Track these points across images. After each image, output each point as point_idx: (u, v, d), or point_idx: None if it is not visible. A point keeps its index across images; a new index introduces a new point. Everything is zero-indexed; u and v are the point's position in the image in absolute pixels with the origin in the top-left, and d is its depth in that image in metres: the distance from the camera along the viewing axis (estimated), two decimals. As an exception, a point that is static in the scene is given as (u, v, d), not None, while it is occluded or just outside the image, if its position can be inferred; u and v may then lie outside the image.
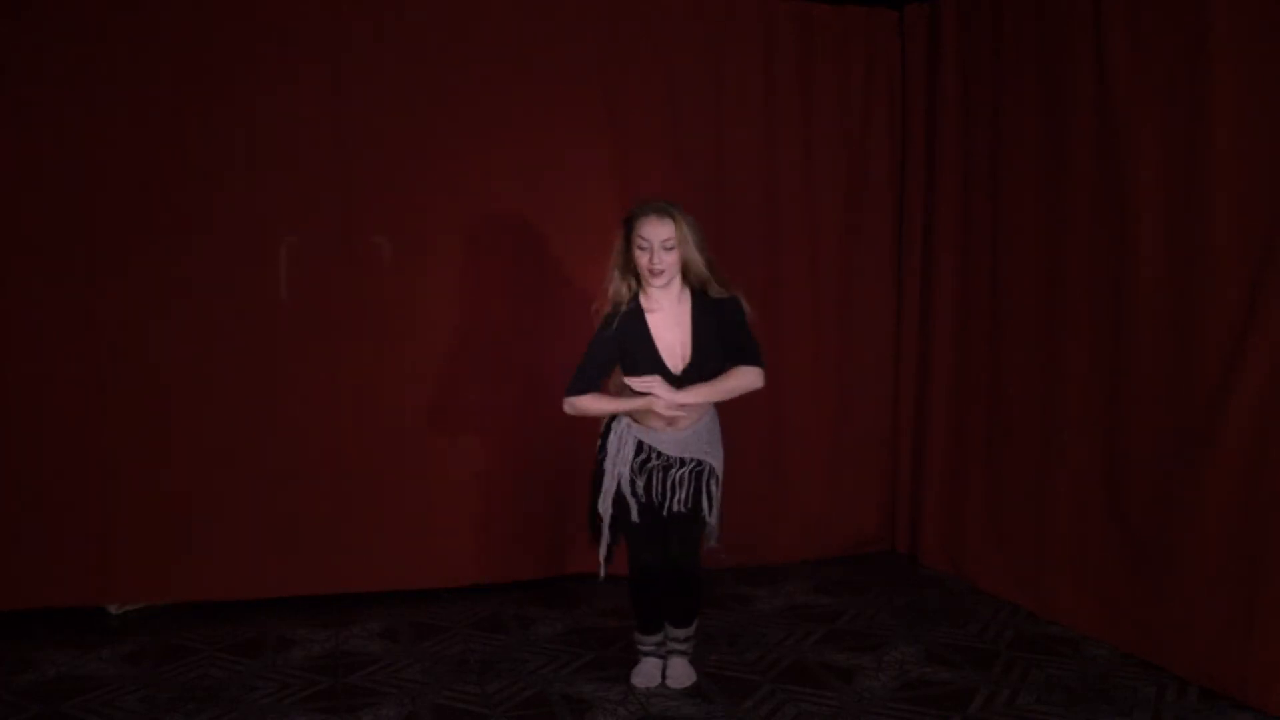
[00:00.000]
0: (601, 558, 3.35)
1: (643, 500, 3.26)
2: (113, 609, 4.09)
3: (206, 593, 4.14)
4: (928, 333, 4.86)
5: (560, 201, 4.41)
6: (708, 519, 3.32)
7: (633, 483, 3.25)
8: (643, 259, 3.16)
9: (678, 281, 3.22)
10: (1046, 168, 4.10)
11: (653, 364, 3.19)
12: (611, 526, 3.31)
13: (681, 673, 3.43)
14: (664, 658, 3.47)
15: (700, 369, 3.20)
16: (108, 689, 3.41)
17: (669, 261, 3.15)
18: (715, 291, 3.20)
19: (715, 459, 3.29)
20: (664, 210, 3.16)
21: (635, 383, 3.14)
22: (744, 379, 3.16)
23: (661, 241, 3.13)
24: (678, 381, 3.18)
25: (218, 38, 4.00)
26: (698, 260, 3.18)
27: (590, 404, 3.20)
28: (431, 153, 4.25)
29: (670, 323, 3.22)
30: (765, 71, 4.73)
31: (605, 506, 3.28)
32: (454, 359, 4.33)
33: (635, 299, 3.23)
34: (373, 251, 4.23)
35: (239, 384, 4.09)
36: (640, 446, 3.25)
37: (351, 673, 3.55)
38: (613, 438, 3.28)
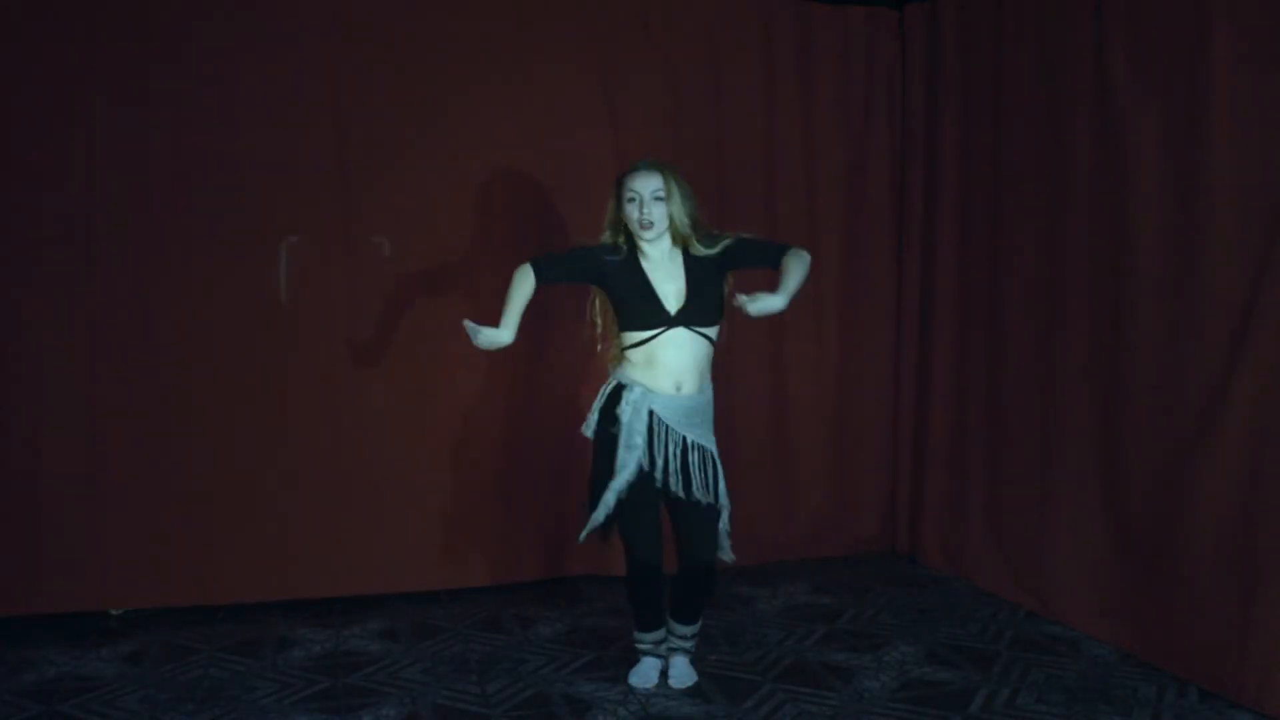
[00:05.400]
0: (587, 532, 3.29)
1: (660, 485, 3.19)
2: (113, 609, 4.09)
3: (207, 597, 4.12)
4: (928, 332, 4.86)
5: (559, 203, 4.41)
6: (719, 509, 3.28)
7: (651, 457, 3.19)
8: (633, 212, 3.19)
9: (667, 239, 3.25)
10: (1046, 167, 4.10)
11: (648, 301, 3.19)
12: (601, 498, 3.23)
13: (684, 672, 3.42)
14: (664, 657, 3.46)
15: (695, 312, 3.20)
16: (108, 689, 3.41)
17: (658, 214, 3.18)
18: (698, 249, 3.22)
19: (711, 442, 3.27)
20: (653, 164, 3.23)
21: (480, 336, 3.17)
22: (802, 259, 3.20)
23: (651, 192, 3.17)
24: (673, 320, 3.18)
25: (217, 38, 4.00)
26: (683, 216, 3.21)
27: (516, 290, 3.24)
28: (432, 154, 4.25)
29: (663, 276, 3.23)
30: (765, 72, 4.73)
31: (620, 485, 3.18)
32: (452, 361, 4.31)
33: (631, 248, 3.25)
34: (373, 251, 4.23)
35: (238, 386, 4.08)
36: (651, 418, 3.19)
37: (351, 673, 3.55)
38: (626, 407, 3.20)
